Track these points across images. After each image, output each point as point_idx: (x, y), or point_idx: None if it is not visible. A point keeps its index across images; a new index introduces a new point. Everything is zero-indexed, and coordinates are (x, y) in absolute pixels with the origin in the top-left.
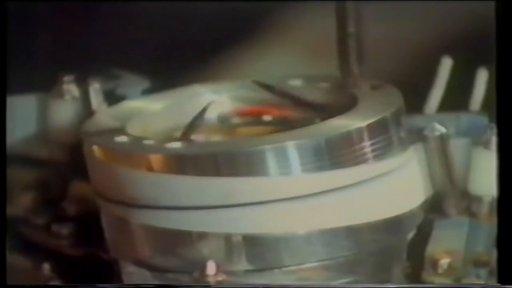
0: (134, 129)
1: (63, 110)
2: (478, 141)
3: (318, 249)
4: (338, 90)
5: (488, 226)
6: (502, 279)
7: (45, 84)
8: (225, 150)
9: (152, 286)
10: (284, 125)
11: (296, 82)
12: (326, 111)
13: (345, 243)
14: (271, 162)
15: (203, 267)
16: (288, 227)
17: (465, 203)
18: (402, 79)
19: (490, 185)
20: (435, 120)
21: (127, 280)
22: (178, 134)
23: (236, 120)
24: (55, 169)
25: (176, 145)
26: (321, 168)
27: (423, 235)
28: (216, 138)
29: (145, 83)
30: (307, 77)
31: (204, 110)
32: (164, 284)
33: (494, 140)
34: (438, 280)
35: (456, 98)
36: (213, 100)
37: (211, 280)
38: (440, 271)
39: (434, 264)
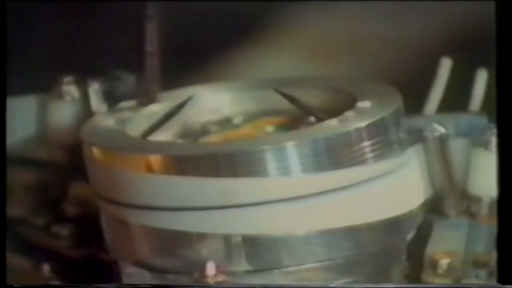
0: (134, 130)
1: (63, 111)
2: (477, 142)
3: (318, 249)
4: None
5: (488, 227)
6: (502, 279)
7: (45, 85)
8: (224, 150)
9: (151, 286)
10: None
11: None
12: None
13: (345, 244)
14: (271, 162)
15: (202, 268)
16: (287, 228)
17: (464, 203)
18: (402, 79)
19: (490, 185)
20: (434, 121)
21: (126, 280)
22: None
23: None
24: (55, 170)
25: (176, 146)
26: (320, 168)
27: (423, 235)
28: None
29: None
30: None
31: (182, 104)
32: (164, 285)
33: (493, 140)
34: (437, 281)
35: (455, 99)
36: (193, 95)
37: (211, 280)
38: (439, 271)
39: (434, 264)
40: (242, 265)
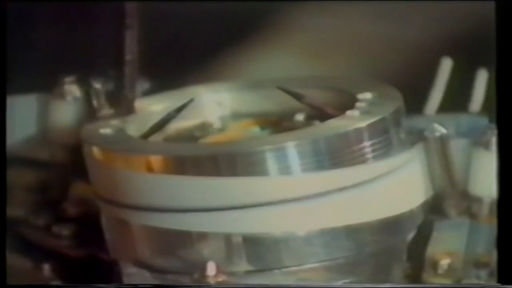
0: (135, 130)
1: (64, 111)
2: (478, 142)
3: (318, 249)
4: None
5: (488, 227)
6: (502, 280)
7: (46, 85)
8: (225, 151)
9: (152, 286)
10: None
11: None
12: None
13: (345, 244)
14: (271, 162)
15: (203, 268)
16: (288, 228)
17: (465, 204)
18: (402, 79)
19: (490, 186)
20: (435, 121)
21: (127, 280)
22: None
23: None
24: (56, 170)
25: (177, 146)
26: (320, 168)
27: (423, 236)
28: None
29: (145, 84)
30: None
31: (183, 106)
32: (164, 285)
33: (494, 141)
34: (438, 281)
35: (456, 99)
36: (194, 96)
37: (211, 281)
38: (440, 272)
39: (434, 265)
40: (242, 265)
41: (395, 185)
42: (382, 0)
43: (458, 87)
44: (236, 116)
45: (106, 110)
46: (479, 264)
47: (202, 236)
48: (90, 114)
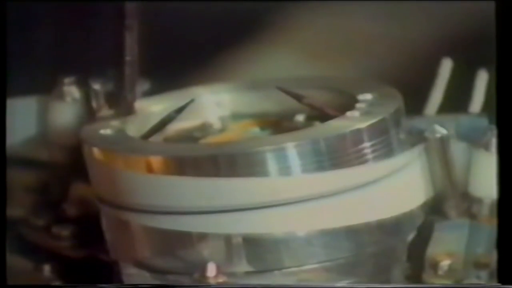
0: (135, 131)
1: (64, 112)
2: (478, 143)
3: (318, 250)
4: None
5: (489, 228)
6: (502, 280)
7: (46, 86)
8: (225, 151)
9: (152, 286)
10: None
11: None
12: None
13: (345, 245)
14: (271, 163)
15: (203, 269)
16: (288, 229)
17: (465, 204)
18: (402, 80)
19: (490, 187)
20: (435, 122)
21: (127, 281)
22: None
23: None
24: (56, 171)
25: (177, 146)
26: (320, 169)
27: (424, 236)
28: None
29: (145, 85)
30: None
31: (183, 107)
32: (165, 285)
33: (494, 142)
34: (438, 282)
35: (456, 100)
36: (194, 97)
37: (211, 281)
38: (440, 272)
39: (435, 265)
40: (242, 266)
41: (395, 186)
42: (382, 0)
43: (458, 87)
44: (236, 116)
45: (106, 111)
46: (479, 265)
47: (202, 236)
48: (89, 115)
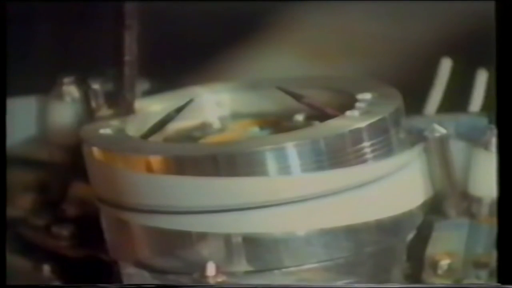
0: (134, 130)
1: (63, 112)
2: (478, 143)
3: (318, 250)
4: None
5: (488, 227)
6: (502, 280)
7: (45, 86)
8: (225, 151)
9: (153, 286)
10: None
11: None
12: None
13: (345, 244)
14: (271, 162)
15: (203, 268)
16: (288, 228)
17: (465, 204)
18: (402, 80)
19: (490, 186)
20: (435, 121)
21: (127, 281)
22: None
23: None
24: (55, 171)
25: (177, 146)
26: (320, 168)
27: (423, 236)
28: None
29: (144, 85)
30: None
31: (183, 107)
32: (166, 285)
33: (494, 141)
34: (438, 281)
35: (456, 99)
36: (194, 97)
37: (211, 281)
38: (440, 272)
39: (434, 265)
40: (242, 266)
41: (395, 186)
42: (382, 0)
43: (458, 87)
44: (236, 116)
45: (105, 111)
46: (479, 264)
47: (202, 236)
48: (88, 114)
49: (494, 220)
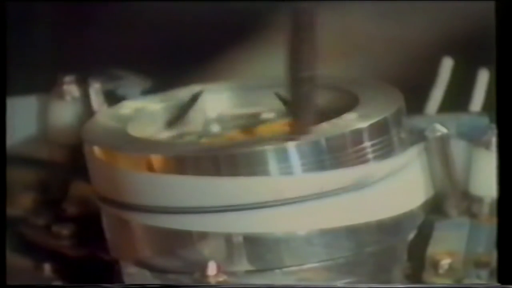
0: (135, 129)
1: (64, 111)
2: (478, 142)
3: (319, 249)
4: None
5: (489, 227)
6: (502, 279)
7: (46, 85)
8: (226, 150)
9: (153, 286)
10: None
11: None
12: None
13: (346, 244)
14: (272, 162)
15: (203, 268)
16: (288, 228)
17: (465, 204)
18: (403, 79)
19: (491, 186)
20: (435, 121)
21: (127, 280)
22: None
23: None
24: (56, 170)
25: (178, 145)
26: (321, 168)
27: (424, 235)
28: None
29: (145, 84)
30: None
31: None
32: (168, 285)
33: (494, 141)
34: (438, 281)
35: (456, 99)
36: (202, 90)
37: (212, 280)
38: (440, 271)
39: (435, 265)
40: (243, 265)
41: (396, 185)
42: (382, 0)
43: (459, 86)
44: (236, 116)
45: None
46: (479, 264)
47: (203, 236)
48: (89, 113)
49: (494, 220)
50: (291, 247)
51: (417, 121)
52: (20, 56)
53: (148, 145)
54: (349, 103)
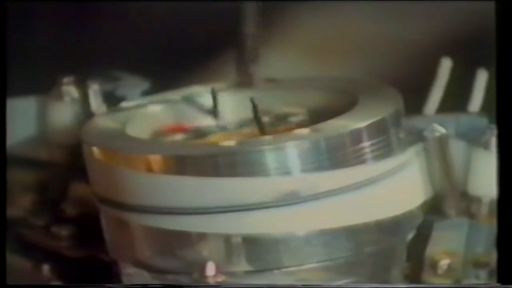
0: (134, 130)
1: (63, 112)
2: (477, 142)
3: (318, 250)
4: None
5: (488, 227)
6: (502, 280)
7: (45, 86)
8: (225, 150)
9: (153, 286)
10: None
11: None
12: None
13: (345, 244)
14: (271, 162)
15: (202, 268)
16: (287, 228)
17: (464, 204)
18: (402, 80)
19: (490, 186)
20: (435, 121)
21: (126, 281)
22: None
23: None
24: (55, 171)
25: (177, 146)
26: (320, 168)
27: (423, 236)
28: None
29: (144, 84)
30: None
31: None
32: (167, 285)
33: (493, 141)
34: (438, 281)
35: (455, 99)
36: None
37: (211, 281)
38: (439, 272)
39: (434, 265)
40: (242, 266)
41: (395, 186)
42: (382, 0)
43: (458, 87)
44: (236, 116)
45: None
46: (478, 264)
47: (202, 236)
48: (88, 114)
49: (494, 220)
50: (290, 247)
51: (416, 121)
52: (20, 56)
53: (147, 145)
54: (348, 103)
